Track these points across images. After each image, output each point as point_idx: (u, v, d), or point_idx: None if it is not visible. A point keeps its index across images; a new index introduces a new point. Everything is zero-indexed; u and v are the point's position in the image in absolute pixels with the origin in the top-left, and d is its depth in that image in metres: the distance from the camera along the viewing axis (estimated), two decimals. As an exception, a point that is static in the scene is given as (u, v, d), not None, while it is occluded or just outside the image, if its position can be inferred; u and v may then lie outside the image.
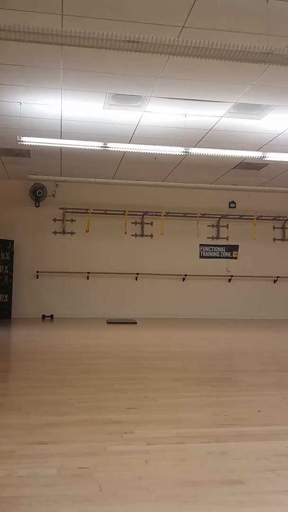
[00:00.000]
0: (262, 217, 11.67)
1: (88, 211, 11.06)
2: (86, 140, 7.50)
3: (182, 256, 11.49)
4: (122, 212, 11.18)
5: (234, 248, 11.75)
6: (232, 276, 11.62)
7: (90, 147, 7.46)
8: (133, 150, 7.68)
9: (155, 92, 6.17)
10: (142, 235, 11.43)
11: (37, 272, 10.91)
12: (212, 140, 8.01)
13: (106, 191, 11.23)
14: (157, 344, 6.76)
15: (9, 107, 6.76)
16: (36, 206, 11.02)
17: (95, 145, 7.40)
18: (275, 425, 2.92)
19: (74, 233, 11.18)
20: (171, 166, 9.61)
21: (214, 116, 7.02)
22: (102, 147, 7.40)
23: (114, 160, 9.23)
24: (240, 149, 8.04)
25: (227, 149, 7.74)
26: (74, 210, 11.09)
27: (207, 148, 7.72)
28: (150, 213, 11.28)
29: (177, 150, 7.55)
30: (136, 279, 11.29)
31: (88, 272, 11.07)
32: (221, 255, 11.71)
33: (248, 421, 3.00)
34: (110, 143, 7.44)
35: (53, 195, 11.07)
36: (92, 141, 7.52)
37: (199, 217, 11.42)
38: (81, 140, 7.53)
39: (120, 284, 11.24)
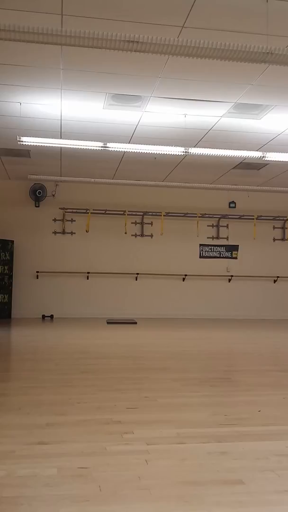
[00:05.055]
0: (262, 217, 11.67)
1: (88, 211, 11.06)
2: (86, 140, 7.50)
3: (182, 256, 11.49)
4: (122, 212, 11.18)
5: (234, 248, 11.75)
6: (232, 276, 11.62)
7: (90, 147, 7.46)
8: (133, 150, 7.68)
9: (155, 92, 6.17)
10: (142, 235, 11.43)
11: (37, 272, 10.91)
12: (212, 140, 8.01)
13: (106, 191, 11.24)
14: (157, 344, 6.76)
15: (9, 107, 6.76)
16: (36, 206, 11.02)
17: (95, 145, 7.40)
18: (275, 425, 2.92)
19: (74, 233, 11.18)
20: (171, 166, 9.61)
21: (214, 116, 7.02)
22: (102, 147, 7.40)
23: (114, 160, 9.23)
24: (240, 149, 8.04)
25: (227, 149, 7.74)
26: (74, 210, 11.09)
27: (207, 148, 7.73)
28: (150, 213, 11.28)
29: (177, 150, 7.55)
30: (136, 279, 11.29)
31: (88, 272, 11.07)
32: (221, 255, 11.71)
33: (248, 421, 3.00)
34: (110, 143, 7.44)
35: (53, 195, 11.07)
36: (92, 141, 7.53)
37: (199, 217, 11.42)
38: (81, 140, 7.53)
39: (120, 284, 11.24)
